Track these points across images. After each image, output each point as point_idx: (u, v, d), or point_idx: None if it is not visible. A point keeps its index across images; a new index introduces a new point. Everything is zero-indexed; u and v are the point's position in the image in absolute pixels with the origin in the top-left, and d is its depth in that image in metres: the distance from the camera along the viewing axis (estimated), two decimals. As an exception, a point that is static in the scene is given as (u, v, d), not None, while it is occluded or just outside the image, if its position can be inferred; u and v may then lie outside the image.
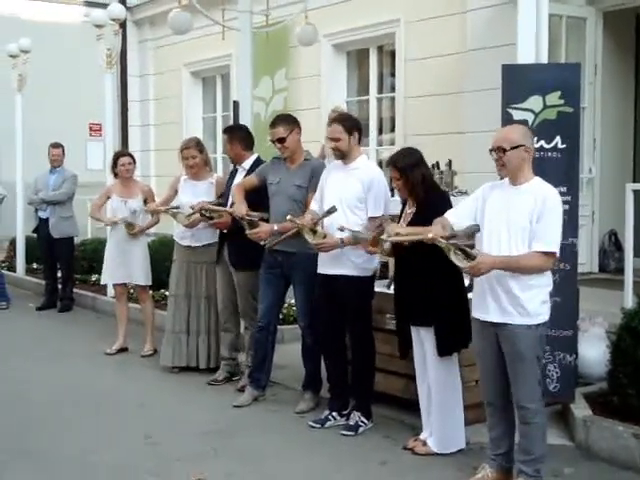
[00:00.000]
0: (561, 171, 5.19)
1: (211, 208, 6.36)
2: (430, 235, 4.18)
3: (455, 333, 4.83)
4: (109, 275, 7.86)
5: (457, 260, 4.05)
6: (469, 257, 4.02)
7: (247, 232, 5.72)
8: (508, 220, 4.13)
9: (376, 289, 5.51)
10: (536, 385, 4.22)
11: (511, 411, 4.36)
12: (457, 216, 4.38)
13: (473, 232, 4.18)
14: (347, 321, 5.43)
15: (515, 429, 4.38)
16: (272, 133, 5.79)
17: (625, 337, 4.94)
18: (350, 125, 5.32)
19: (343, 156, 5.34)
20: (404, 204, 5.07)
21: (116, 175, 7.75)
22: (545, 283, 4.20)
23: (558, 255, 4.17)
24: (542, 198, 4.10)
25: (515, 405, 4.27)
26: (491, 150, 4.21)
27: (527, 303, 4.12)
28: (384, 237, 4.74)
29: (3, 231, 12.33)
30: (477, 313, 4.33)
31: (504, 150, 4.14)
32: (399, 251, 4.88)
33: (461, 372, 5.05)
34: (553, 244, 4.08)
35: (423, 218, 4.66)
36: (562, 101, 5.22)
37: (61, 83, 14.23)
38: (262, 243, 5.82)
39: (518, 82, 5.30)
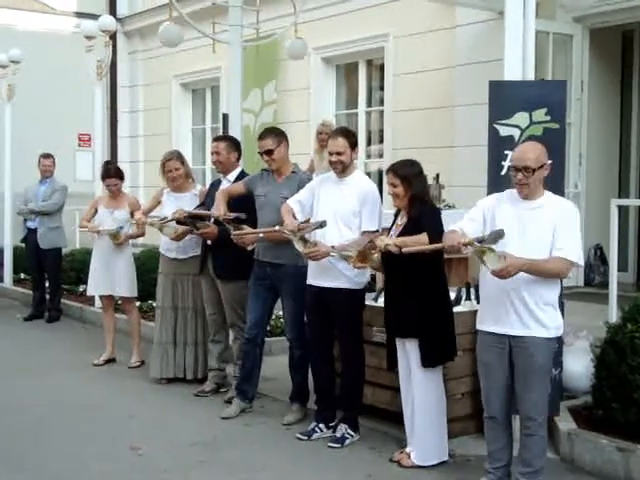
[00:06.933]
0: (547, 186, 5.23)
1: (192, 213, 6.37)
2: (466, 240, 4.05)
3: (440, 345, 4.86)
4: (94, 286, 7.86)
5: (490, 262, 3.97)
6: (500, 259, 3.97)
7: (232, 234, 5.75)
8: (525, 235, 4.12)
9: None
10: (545, 397, 4.26)
11: (511, 424, 4.43)
12: (463, 228, 4.28)
13: (499, 237, 4.08)
14: (337, 333, 5.46)
15: (513, 442, 4.44)
16: (260, 145, 5.86)
17: (609, 351, 4.98)
18: (353, 140, 5.41)
19: (343, 170, 5.38)
20: (396, 215, 5.10)
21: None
22: (557, 296, 4.27)
23: (582, 265, 4.26)
24: (560, 210, 4.17)
25: (521, 417, 4.31)
26: (515, 169, 4.15)
27: (546, 317, 4.17)
28: (393, 249, 4.66)
29: (-9, 241, 12.31)
30: (491, 326, 4.29)
31: (533, 170, 4.12)
32: (388, 264, 4.91)
33: (448, 385, 5.08)
34: (575, 254, 4.11)
35: (414, 230, 4.73)
36: (548, 117, 5.26)
37: (51, 93, 14.20)
38: (249, 249, 5.87)
39: (505, 98, 5.34)
